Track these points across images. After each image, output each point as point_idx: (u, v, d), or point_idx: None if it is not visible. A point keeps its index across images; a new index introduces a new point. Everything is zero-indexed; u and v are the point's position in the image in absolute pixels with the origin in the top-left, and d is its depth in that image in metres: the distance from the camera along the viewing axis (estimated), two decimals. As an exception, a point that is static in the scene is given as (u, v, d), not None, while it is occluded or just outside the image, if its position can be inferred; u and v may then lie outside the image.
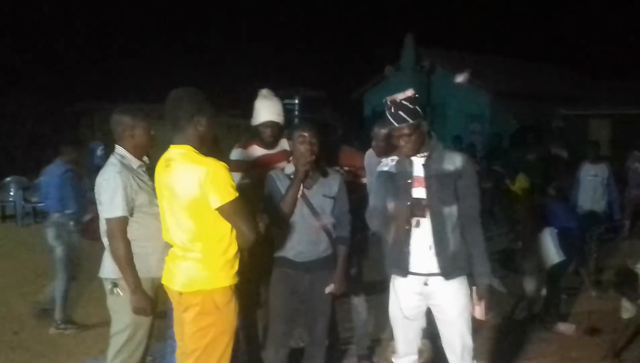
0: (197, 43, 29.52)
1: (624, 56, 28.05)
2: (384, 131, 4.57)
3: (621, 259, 5.11)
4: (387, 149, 4.60)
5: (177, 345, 3.48)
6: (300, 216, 3.96)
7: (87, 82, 24.18)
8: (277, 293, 4.07)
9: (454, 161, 3.51)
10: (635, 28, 29.36)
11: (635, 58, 26.98)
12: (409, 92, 3.49)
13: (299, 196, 3.93)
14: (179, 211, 3.18)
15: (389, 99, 3.50)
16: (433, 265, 3.52)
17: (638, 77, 20.48)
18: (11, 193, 12.83)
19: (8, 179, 13.03)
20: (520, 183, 10.95)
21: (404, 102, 3.45)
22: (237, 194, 3.15)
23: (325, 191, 4.02)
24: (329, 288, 4.02)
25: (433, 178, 3.51)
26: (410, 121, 3.42)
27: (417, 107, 3.46)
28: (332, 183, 4.04)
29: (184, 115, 3.19)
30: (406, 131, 3.44)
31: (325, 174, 4.05)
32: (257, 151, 4.60)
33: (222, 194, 3.09)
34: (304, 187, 3.97)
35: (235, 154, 4.54)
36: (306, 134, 3.93)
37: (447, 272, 3.52)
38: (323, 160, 4.14)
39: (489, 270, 3.56)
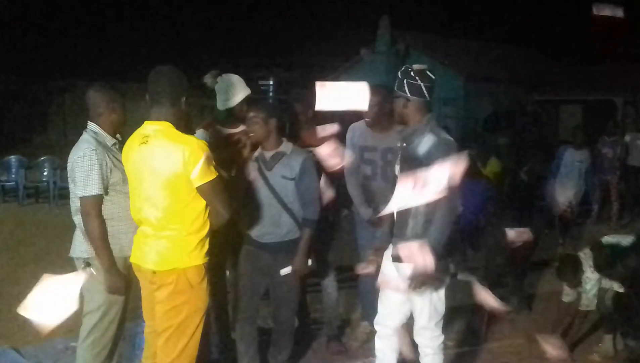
0: (169, 23, 29.18)
1: (595, 42, 28.29)
2: (376, 98, 4.57)
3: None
4: (379, 117, 4.66)
5: (145, 325, 3.48)
6: (262, 197, 4.00)
7: (59, 60, 23.79)
8: (242, 270, 4.18)
9: (424, 145, 3.55)
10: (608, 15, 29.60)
11: (607, 44, 27.24)
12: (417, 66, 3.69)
13: (258, 176, 4.00)
14: (156, 187, 3.16)
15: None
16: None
17: (608, 64, 20.72)
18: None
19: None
20: (491, 166, 11.05)
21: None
22: (217, 174, 3.19)
23: (285, 172, 4.00)
24: (285, 270, 4.02)
25: (406, 160, 3.60)
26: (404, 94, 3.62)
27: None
28: (294, 165, 4.00)
29: (171, 92, 3.21)
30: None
31: (288, 155, 4.03)
32: (222, 131, 4.57)
33: (204, 173, 3.12)
34: (265, 168, 4.01)
35: (199, 135, 4.49)
36: (250, 115, 4.01)
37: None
38: (294, 141, 4.17)
39: (439, 239, 3.49)
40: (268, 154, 4.02)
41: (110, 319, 3.71)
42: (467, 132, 14.21)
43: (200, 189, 3.15)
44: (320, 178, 4.12)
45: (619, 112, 17.40)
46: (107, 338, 3.74)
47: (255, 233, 4.06)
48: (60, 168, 12.03)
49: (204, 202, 3.21)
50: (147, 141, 3.17)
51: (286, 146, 4.05)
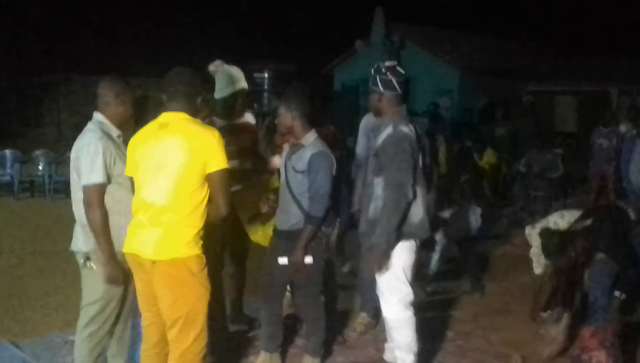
0: (163, 16, 29.02)
1: (590, 33, 28.32)
2: None
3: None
4: None
5: (142, 317, 3.48)
6: (281, 186, 4.20)
7: (53, 54, 23.67)
8: (268, 252, 4.37)
9: (382, 136, 3.91)
10: (603, 5, 29.63)
11: (602, 35, 27.29)
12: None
13: (282, 165, 4.21)
14: (170, 169, 3.21)
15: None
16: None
17: (604, 54, 20.74)
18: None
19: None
20: (488, 157, 11.09)
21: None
22: (227, 166, 3.30)
23: (297, 164, 4.07)
24: (282, 260, 4.12)
25: (374, 150, 4.01)
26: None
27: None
28: (305, 158, 4.05)
29: (189, 91, 3.36)
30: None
31: (305, 148, 4.09)
32: (218, 122, 4.57)
33: (221, 160, 3.25)
34: (287, 158, 4.15)
35: None
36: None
37: (365, 233, 4.09)
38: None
39: (383, 235, 3.85)
40: (293, 144, 4.16)
41: (108, 313, 3.72)
42: (463, 124, 14.17)
43: (211, 177, 3.24)
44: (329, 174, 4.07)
45: (614, 103, 17.41)
46: (104, 332, 3.76)
47: (275, 219, 4.29)
48: (56, 162, 12.01)
49: (205, 194, 3.26)
50: (166, 126, 3.28)
51: (307, 138, 4.10)
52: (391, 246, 3.89)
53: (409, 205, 3.87)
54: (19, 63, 21.53)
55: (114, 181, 3.58)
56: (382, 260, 3.90)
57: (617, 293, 4.81)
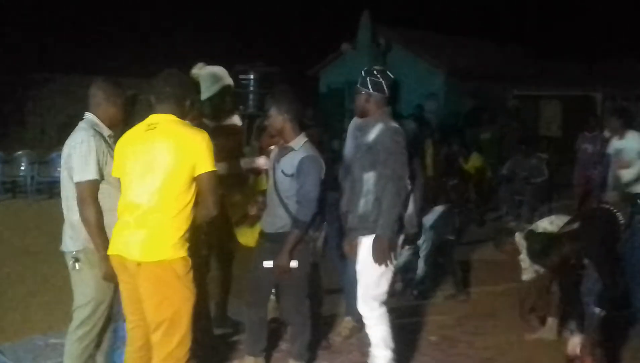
0: (149, 16, 28.88)
1: (576, 38, 28.54)
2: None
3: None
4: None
5: (127, 320, 3.45)
6: (269, 188, 4.19)
7: (36, 53, 23.48)
8: (254, 255, 4.35)
9: (373, 133, 3.99)
10: (588, 10, 29.90)
11: (587, 40, 27.50)
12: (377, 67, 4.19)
13: (271, 167, 4.20)
14: (158, 169, 3.20)
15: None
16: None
17: (589, 59, 20.91)
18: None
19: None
20: (473, 161, 11.12)
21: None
22: (215, 168, 3.32)
23: (286, 168, 4.06)
24: (267, 263, 4.13)
25: (359, 148, 4.10)
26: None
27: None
28: (294, 162, 4.04)
29: (178, 94, 3.39)
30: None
31: (295, 151, 4.07)
32: (209, 124, 4.54)
33: (210, 162, 3.25)
34: (275, 161, 4.14)
35: None
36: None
37: (354, 229, 4.13)
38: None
39: (388, 225, 3.91)
40: (282, 147, 4.15)
41: (100, 314, 3.73)
42: (448, 127, 14.21)
43: (200, 178, 3.25)
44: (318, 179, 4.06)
45: (598, 108, 17.54)
46: (95, 333, 3.76)
47: (262, 221, 4.29)
48: (38, 162, 11.90)
49: (192, 196, 3.25)
50: (155, 128, 3.29)
51: (297, 142, 4.10)
52: (395, 236, 3.98)
53: (407, 197, 4.01)
54: (1, 62, 21.29)
55: (105, 181, 3.59)
56: (387, 250, 3.95)
57: (597, 310, 4.56)
